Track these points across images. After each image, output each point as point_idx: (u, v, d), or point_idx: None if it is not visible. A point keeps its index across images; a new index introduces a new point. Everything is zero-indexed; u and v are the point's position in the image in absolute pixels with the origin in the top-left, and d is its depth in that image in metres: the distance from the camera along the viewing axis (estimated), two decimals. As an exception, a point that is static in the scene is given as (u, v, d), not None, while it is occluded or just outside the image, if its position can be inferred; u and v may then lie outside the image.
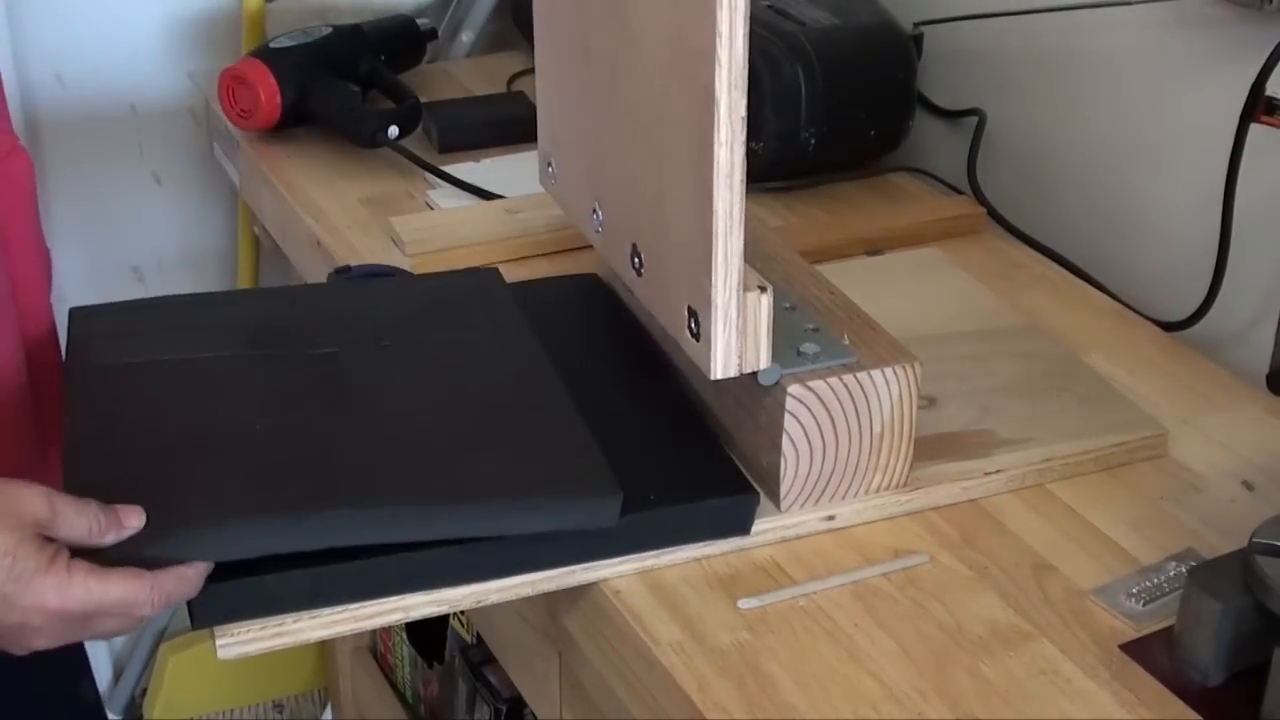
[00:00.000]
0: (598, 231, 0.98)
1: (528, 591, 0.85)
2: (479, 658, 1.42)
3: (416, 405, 0.90)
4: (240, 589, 0.79)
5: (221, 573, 0.79)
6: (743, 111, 0.78)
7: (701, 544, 0.87)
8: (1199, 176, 1.13)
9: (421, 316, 1.00)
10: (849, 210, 1.30)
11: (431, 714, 1.59)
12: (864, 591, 0.86)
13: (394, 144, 1.34)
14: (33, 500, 0.76)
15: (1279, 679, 0.76)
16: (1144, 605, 0.84)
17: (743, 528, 0.88)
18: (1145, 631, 0.83)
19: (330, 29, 1.43)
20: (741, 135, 0.78)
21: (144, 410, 0.89)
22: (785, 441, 0.87)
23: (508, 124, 1.40)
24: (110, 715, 1.87)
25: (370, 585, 0.82)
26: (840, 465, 0.89)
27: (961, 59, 1.37)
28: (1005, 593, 0.85)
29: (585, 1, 0.94)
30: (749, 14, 0.76)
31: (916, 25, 1.35)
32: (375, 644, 1.71)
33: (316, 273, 1.26)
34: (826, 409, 0.87)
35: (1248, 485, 0.95)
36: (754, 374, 0.85)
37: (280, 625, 0.81)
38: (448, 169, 1.34)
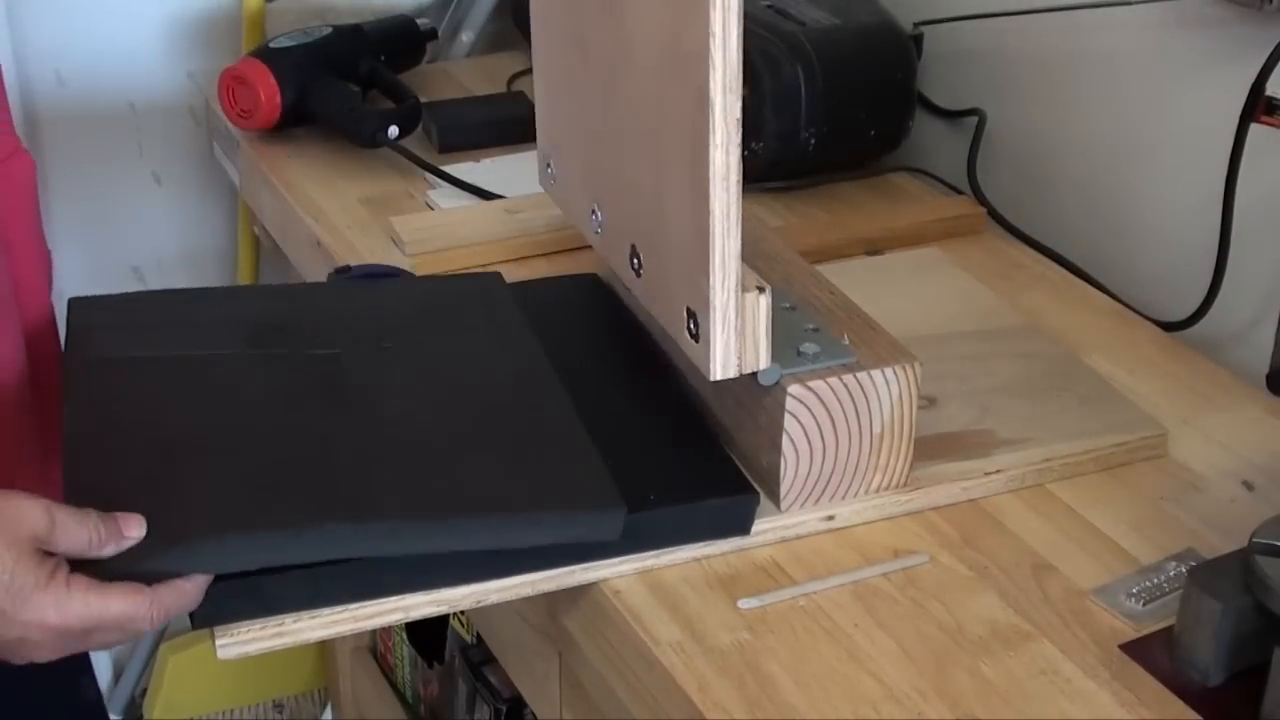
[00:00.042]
0: (597, 232, 0.98)
1: (528, 591, 0.85)
2: (479, 658, 1.42)
3: (417, 406, 0.90)
4: (240, 589, 0.79)
5: (221, 573, 0.79)
6: (738, 114, 0.77)
7: (701, 544, 0.87)
8: (1199, 176, 1.13)
9: (422, 318, 1.00)
10: (849, 210, 1.30)
11: (431, 714, 1.59)
12: (864, 591, 0.86)
13: (394, 144, 1.34)
14: (32, 513, 0.75)
15: (1279, 679, 0.76)
16: (1144, 605, 0.84)
17: (743, 528, 0.88)
18: (1145, 631, 0.83)
19: (330, 29, 1.43)
20: (737, 137, 0.77)
21: (144, 408, 0.89)
22: (785, 441, 0.87)
23: (508, 124, 1.40)
24: (110, 715, 1.87)
25: (370, 585, 0.82)
26: (840, 465, 0.89)
27: (961, 59, 1.37)
28: (1005, 593, 0.85)
29: (581, 1, 0.93)
30: (743, 14, 0.75)
31: (916, 25, 1.35)
32: (375, 644, 1.71)
33: (316, 273, 1.26)
34: (826, 409, 0.87)
35: (1248, 485, 0.95)
36: (754, 374, 0.85)
37: (280, 625, 0.80)
38: (448, 169, 1.34)
